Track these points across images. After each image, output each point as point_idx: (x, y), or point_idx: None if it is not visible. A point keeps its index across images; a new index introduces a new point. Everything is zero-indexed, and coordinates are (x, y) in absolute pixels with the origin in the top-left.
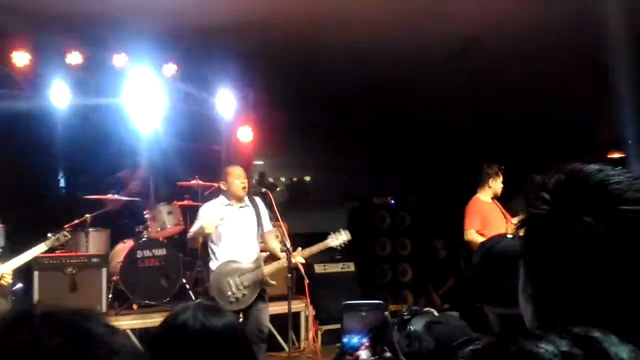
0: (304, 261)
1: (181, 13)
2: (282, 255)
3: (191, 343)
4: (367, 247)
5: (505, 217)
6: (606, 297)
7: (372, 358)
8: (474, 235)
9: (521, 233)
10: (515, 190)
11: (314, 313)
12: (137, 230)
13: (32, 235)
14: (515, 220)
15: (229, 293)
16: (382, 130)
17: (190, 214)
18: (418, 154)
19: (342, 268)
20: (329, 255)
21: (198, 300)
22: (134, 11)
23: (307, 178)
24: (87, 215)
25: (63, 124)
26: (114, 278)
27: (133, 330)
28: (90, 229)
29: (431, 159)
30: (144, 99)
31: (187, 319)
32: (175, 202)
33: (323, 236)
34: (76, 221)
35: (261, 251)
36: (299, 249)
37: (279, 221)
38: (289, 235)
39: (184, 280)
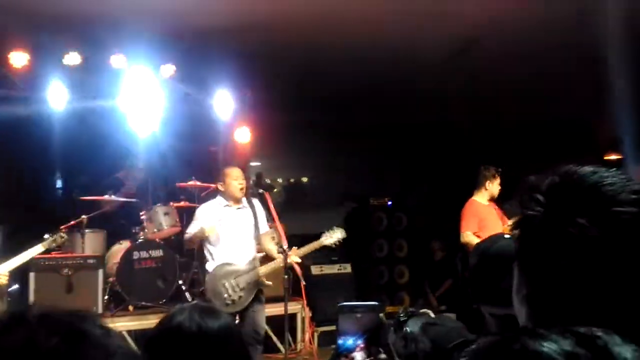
0: (299, 260)
1: (179, 14)
2: (277, 255)
3: (187, 345)
4: (364, 248)
5: (501, 220)
6: (600, 298)
7: (367, 359)
8: (470, 237)
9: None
10: (515, 190)
11: (311, 314)
12: (133, 231)
13: (29, 237)
14: (510, 222)
15: (225, 295)
16: (380, 130)
17: (187, 215)
18: (416, 155)
19: (338, 269)
20: (326, 256)
21: (194, 302)
22: (131, 12)
23: (305, 179)
24: (83, 217)
25: (60, 125)
26: (110, 279)
27: (129, 331)
28: (87, 230)
29: (430, 159)
30: (141, 99)
31: (183, 320)
32: (171, 203)
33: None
34: (72, 222)
35: (257, 252)
36: (294, 248)
37: (276, 222)
38: (286, 236)
39: (181, 282)
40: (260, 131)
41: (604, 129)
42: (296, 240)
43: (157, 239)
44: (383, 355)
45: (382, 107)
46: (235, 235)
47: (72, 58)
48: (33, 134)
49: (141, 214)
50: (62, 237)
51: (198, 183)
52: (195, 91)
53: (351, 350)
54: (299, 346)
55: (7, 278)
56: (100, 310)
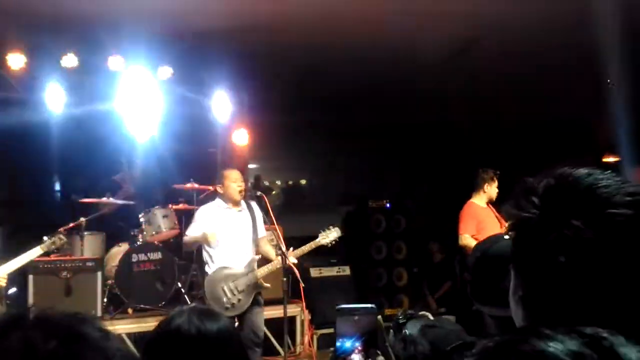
0: (295, 261)
1: (176, 15)
2: (274, 256)
3: (186, 347)
4: (362, 250)
5: (499, 222)
6: (596, 300)
7: None
8: (468, 239)
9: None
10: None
11: (310, 317)
12: (132, 233)
13: (27, 239)
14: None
15: (224, 299)
16: (379, 131)
17: (185, 218)
18: (415, 156)
19: (337, 272)
20: (325, 259)
21: (193, 304)
22: (129, 13)
23: (303, 181)
24: (82, 219)
25: (58, 127)
26: (109, 282)
27: (128, 334)
28: (85, 233)
29: (429, 161)
30: (139, 102)
31: (182, 323)
32: (170, 205)
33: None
34: (71, 225)
35: (255, 255)
36: (291, 249)
37: (274, 225)
38: (284, 239)
39: (180, 284)
40: (259, 133)
41: (602, 131)
42: (295, 242)
43: (155, 242)
44: (381, 358)
45: (381, 107)
46: (235, 239)
47: (70, 60)
48: (30, 136)
49: (140, 216)
50: (61, 240)
51: (196, 185)
52: (193, 93)
53: (349, 352)
54: (298, 349)
55: (5, 280)
56: (99, 313)
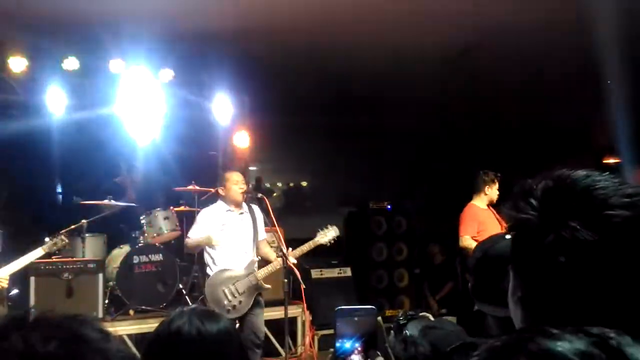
0: (295, 261)
1: (177, 18)
2: (274, 258)
3: (187, 348)
4: (363, 252)
5: (500, 224)
6: (594, 301)
7: None
8: (469, 241)
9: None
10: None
11: (311, 318)
12: (133, 235)
13: (29, 241)
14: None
15: (225, 302)
16: (380, 133)
17: (186, 219)
18: (416, 158)
19: (338, 273)
20: (326, 260)
21: (193, 306)
22: (130, 16)
23: (304, 183)
24: (83, 221)
25: (59, 129)
26: (111, 283)
27: (130, 335)
28: (87, 235)
29: (429, 163)
30: (140, 104)
31: (183, 324)
32: (171, 207)
33: (323, 245)
34: (72, 226)
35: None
36: (290, 249)
37: (275, 226)
38: (285, 240)
39: (181, 286)
40: (259, 135)
41: (602, 132)
42: (296, 244)
43: (157, 243)
44: (380, 358)
45: (381, 109)
46: (237, 241)
47: (71, 63)
48: (31, 138)
49: (141, 218)
50: (62, 241)
51: (197, 187)
52: (194, 96)
53: (349, 353)
54: (299, 350)
55: (7, 282)
56: (100, 314)
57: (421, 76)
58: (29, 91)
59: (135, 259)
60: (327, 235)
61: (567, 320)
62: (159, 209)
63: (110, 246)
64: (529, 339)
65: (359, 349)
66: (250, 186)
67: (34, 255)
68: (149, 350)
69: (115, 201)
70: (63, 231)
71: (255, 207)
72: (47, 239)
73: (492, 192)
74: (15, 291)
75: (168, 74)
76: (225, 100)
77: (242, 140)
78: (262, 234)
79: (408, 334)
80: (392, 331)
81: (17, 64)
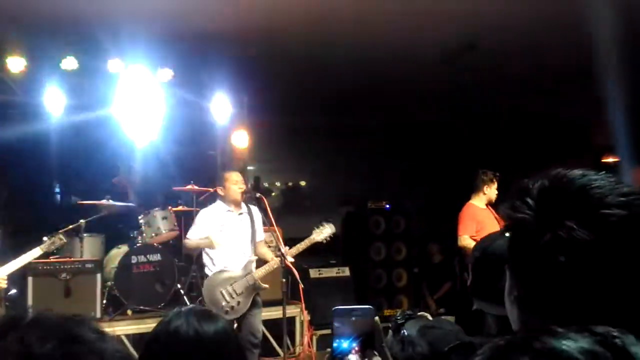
0: (292, 260)
1: (176, 17)
2: (271, 257)
3: (184, 349)
4: (361, 251)
5: (499, 223)
6: (590, 300)
7: None
8: (467, 240)
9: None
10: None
11: (309, 318)
12: (131, 235)
13: (27, 241)
14: None
15: (224, 303)
16: (379, 132)
17: (185, 219)
18: (415, 157)
19: (337, 273)
20: (324, 260)
21: (191, 306)
22: (128, 15)
23: (303, 183)
24: (81, 221)
25: (58, 129)
26: (109, 284)
27: (127, 336)
28: (85, 235)
29: (428, 162)
30: (139, 104)
31: (181, 324)
32: (169, 207)
33: (320, 242)
34: (70, 226)
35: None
36: (286, 248)
37: (273, 226)
38: (283, 240)
39: (179, 286)
40: (258, 134)
41: (601, 131)
42: (294, 244)
43: (155, 243)
44: (378, 358)
45: (380, 108)
46: (235, 241)
47: (69, 63)
48: (30, 138)
49: (139, 218)
50: (60, 240)
51: (196, 187)
52: (192, 95)
53: (346, 353)
54: (297, 349)
55: (5, 282)
56: (98, 314)
57: (420, 76)
58: (28, 91)
59: (134, 259)
60: (323, 232)
61: (563, 320)
62: (157, 208)
63: (108, 246)
64: (534, 338)
65: (356, 349)
66: (249, 186)
67: (32, 254)
68: (147, 350)
69: (114, 201)
70: (61, 230)
71: (254, 208)
72: (45, 238)
73: (491, 191)
74: (13, 291)
75: (167, 73)
76: (224, 99)
77: (241, 140)
78: (261, 235)
79: (406, 333)
80: (390, 331)
81: (16, 64)
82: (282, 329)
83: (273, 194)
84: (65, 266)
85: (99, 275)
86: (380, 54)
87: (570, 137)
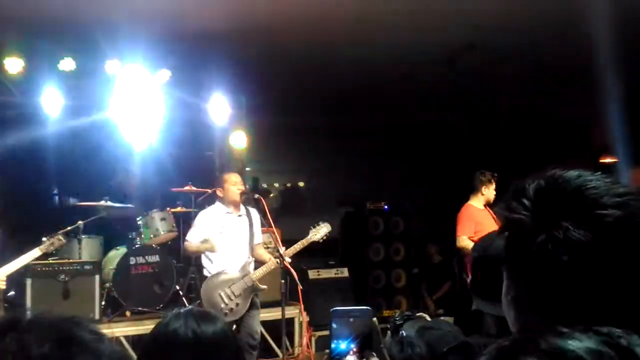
0: (289, 260)
1: (174, 18)
2: (268, 258)
3: (183, 350)
4: (360, 252)
5: (497, 224)
6: (587, 300)
7: None
8: (466, 241)
9: None
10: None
11: (308, 319)
12: (130, 237)
13: (26, 242)
14: None
15: (222, 305)
16: (378, 133)
17: (183, 220)
18: (413, 158)
19: (335, 274)
20: (323, 261)
21: (190, 307)
22: (127, 17)
23: (301, 184)
24: (79, 222)
25: (56, 130)
26: (107, 285)
27: (126, 337)
28: (83, 236)
29: (427, 163)
30: (137, 105)
31: (179, 326)
32: (168, 208)
33: (317, 242)
34: (69, 228)
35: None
36: (283, 248)
37: (272, 227)
38: (282, 241)
39: (178, 287)
40: (256, 135)
41: (599, 132)
42: (292, 245)
43: (153, 245)
44: (375, 359)
45: (380, 109)
46: (234, 243)
47: (67, 64)
48: (29, 139)
49: (137, 219)
50: (59, 240)
51: (194, 188)
52: (191, 96)
53: (344, 354)
54: (296, 350)
55: (4, 283)
56: (97, 316)
57: (420, 76)
58: (25, 92)
59: (132, 261)
60: (320, 232)
61: (560, 321)
62: (155, 210)
63: (107, 247)
64: (540, 338)
65: (355, 350)
66: (247, 187)
67: (31, 255)
68: (146, 351)
69: (112, 203)
70: (60, 231)
71: (253, 210)
72: (44, 239)
73: (489, 192)
74: (12, 292)
75: (165, 74)
76: (222, 100)
77: (239, 141)
78: (259, 238)
79: (404, 334)
80: (388, 332)
81: (13, 64)
82: (281, 330)
83: (271, 194)
84: (64, 267)
85: (97, 277)
86: (380, 54)
87: (569, 137)
